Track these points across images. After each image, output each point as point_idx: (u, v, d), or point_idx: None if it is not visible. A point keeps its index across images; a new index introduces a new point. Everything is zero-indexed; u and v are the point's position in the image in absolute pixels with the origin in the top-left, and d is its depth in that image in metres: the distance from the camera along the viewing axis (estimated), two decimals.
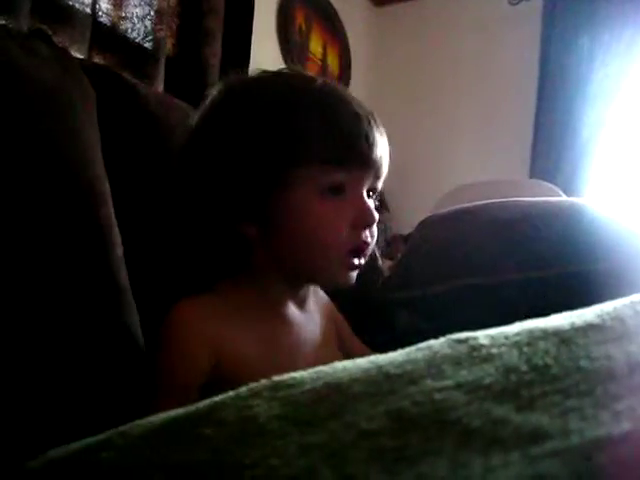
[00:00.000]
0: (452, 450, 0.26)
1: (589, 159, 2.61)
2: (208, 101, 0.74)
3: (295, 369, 0.70)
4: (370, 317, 0.97)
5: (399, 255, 1.09)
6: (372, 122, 0.69)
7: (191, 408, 0.33)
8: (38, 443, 0.39)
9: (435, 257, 0.97)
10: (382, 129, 0.71)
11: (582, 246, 0.84)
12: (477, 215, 0.98)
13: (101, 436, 0.32)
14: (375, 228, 0.73)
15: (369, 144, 0.67)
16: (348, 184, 0.68)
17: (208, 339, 0.65)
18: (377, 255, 1.20)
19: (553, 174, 2.61)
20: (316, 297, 0.84)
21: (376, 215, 0.70)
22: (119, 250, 0.66)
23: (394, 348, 0.37)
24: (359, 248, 0.70)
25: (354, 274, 0.72)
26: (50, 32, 0.84)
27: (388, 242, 2.65)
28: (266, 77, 0.73)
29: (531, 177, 2.69)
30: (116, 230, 0.67)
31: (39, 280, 0.58)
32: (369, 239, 0.71)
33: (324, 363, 0.73)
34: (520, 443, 0.25)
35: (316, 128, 0.66)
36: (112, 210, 0.67)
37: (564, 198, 1.59)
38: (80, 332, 0.60)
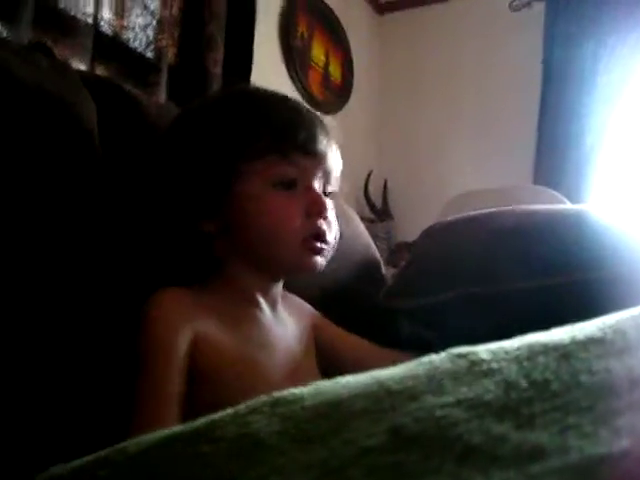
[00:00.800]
0: (453, 467, 0.26)
1: (593, 165, 2.59)
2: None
3: (270, 368, 0.71)
4: (373, 325, 0.97)
5: (403, 263, 1.09)
6: (314, 120, 0.75)
7: (189, 425, 0.33)
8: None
9: (439, 265, 0.96)
10: (328, 130, 0.76)
11: (587, 254, 0.83)
12: (481, 223, 0.98)
13: (100, 453, 0.32)
14: (332, 218, 0.76)
15: (309, 135, 0.72)
16: (299, 178, 0.73)
17: (186, 324, 0.66)
18: (381, 262, 1.20)
19: (557, 180, 2.59)
20: (293, 304, 0.86)
21: (327, 203, 0.74)
22: None
23: None
24: (316, 234, 0.73)
25: (318, 258, 0.75)
26: (51, 44, 0.84)
27: (392, 250, 2.65)
28: (219, 92, 0.79)
29: (535, 184, 2.68)
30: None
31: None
32: (324, 226, 0.74)
33: (296, 369, 0.75)
34: (519, 461, 0.25)
35: (256, 124, 0.71)
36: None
37: (568, 205, 1.59)
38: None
